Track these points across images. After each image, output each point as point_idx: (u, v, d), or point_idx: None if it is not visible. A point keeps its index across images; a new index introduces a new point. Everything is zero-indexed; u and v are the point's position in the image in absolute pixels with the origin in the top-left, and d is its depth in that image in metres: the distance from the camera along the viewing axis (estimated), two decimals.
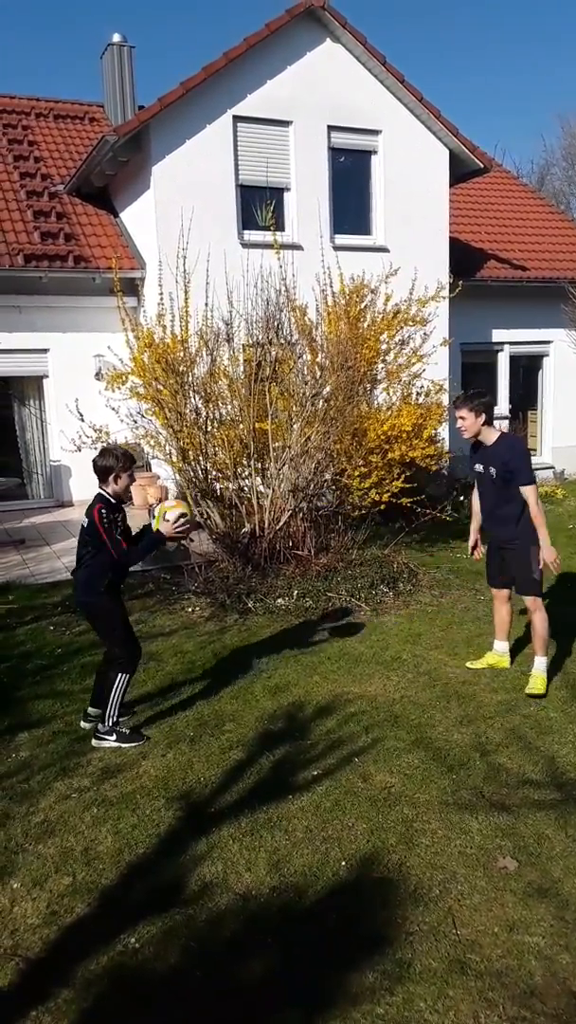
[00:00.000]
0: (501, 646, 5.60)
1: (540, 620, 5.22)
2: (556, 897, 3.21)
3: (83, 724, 4.80)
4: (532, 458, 5.23)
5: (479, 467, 5.27)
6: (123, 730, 4.59)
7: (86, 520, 4.48)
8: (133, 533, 4.70)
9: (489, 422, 5.16)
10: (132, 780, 4.12)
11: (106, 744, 4.51)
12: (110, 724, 4.54)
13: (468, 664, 5.59)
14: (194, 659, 5.82)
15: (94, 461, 4.58)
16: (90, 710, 4.80)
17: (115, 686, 4.53)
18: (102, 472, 4.51)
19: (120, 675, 4.55)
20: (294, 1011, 2.69)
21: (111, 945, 2.97)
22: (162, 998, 2.75)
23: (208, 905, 3.18)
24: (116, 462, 4.48)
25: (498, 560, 5.41)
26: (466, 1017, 2.65)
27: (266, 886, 3.28)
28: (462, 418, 5.13)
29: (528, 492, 5.02)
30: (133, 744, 4.51)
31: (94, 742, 4.54)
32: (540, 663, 5.22)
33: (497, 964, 2.88)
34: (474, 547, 5.61)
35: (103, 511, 4.39)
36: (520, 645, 5.80)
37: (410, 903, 3.18)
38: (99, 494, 4.51)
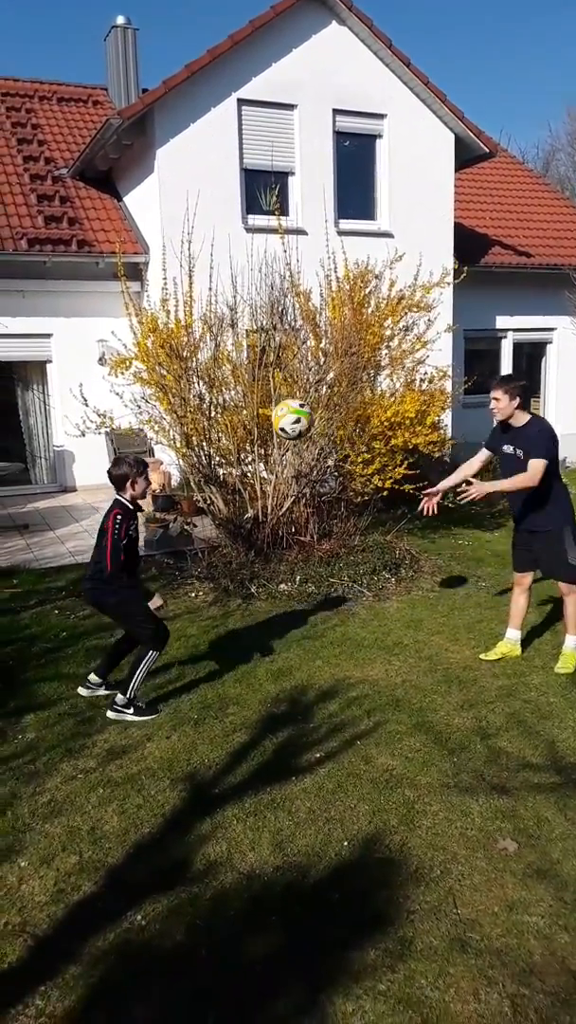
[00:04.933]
0: (514, 634, 5.55)
1: (573, 602, 5.23)
2: (555, 878, 3.26)
3: (80, 690, 4.97)
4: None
5: (507, 448, 5.18)
6: (140, 704, 4.72)
7: (104, 522, 4.65)
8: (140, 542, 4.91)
9: (523, 407, 5.11)
10: (137, 761, 4.18)
11: (125, 717, 4.63)
12: (129, 697, 4.64)
13: (480, 656, 5.51)
14: (198, 643, 5.86)
15: (109, 472, 4.80)
16: (92, 677, 4.96)
17: (143, 662, 4.65)
18: (119, 480, 4.71)
19: (151, 652, 4.69)
20: (298, 987, 2.74)
21: (117, 922, 3.02)
22: (168, 974, 2.80)
23: (213, 884, 3.23)
24: (131, 468, 4.70)
25: (525, 546, 5.34)
26: (466, 994, 2.70)
27: (270, 865, 3.33)
28: (496, 399, 5.09)
29: (536, 464, 4.94)
30: (149, 717, 4.65)
31: (110, 714, 4.66)
32: (571, 641, 5.27)
33: (497, 943, 2.92)
34: (428, 495, 5.52)
35: (119, 517, 4.59)
36: (527, 631, 5.83)
37: (411, 883, 3.23)
38: (116, 500, 4.71)
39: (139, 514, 4.87)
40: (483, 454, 5.43)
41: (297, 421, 5.71)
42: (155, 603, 4.65)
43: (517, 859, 3.37)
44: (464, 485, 5.17)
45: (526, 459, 5.03)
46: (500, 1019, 2.60)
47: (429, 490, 5.58)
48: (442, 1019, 2.59)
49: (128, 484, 4.69)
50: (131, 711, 4.66)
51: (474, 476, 5.30)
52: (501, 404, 5.09)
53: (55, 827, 3.62)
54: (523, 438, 5.09)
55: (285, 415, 5.72)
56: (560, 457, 5.38)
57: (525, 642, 5.68)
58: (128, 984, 2.76)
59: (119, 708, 4.66)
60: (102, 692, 4.96)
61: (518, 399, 5.07)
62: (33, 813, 3.73)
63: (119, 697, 4.68)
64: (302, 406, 5.86)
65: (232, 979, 2.77)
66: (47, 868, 3.34)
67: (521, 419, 5.13)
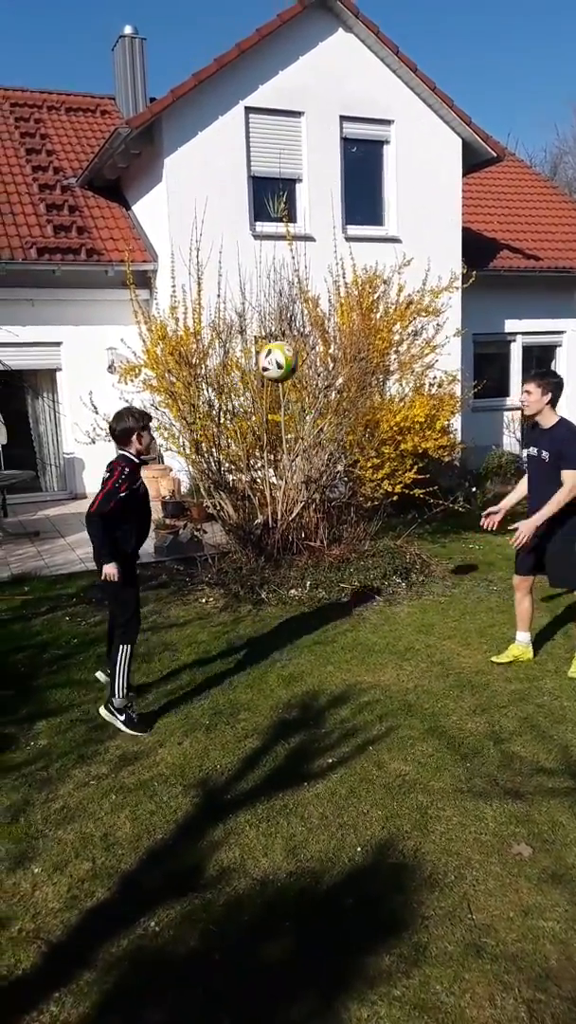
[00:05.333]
0: (524, 637, 5.51)
1: None
2: (571, 883, 3.23)
3: (99, 675, 5.05)
4: None
5: (532, 450, 5.14)
6: (133, 715, 4.65)
7: (106, 474, 4.47)
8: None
9: (554, 404, 5.05)
10: (149, 767, 4.17)
11: (110, 719, 4.60)
12: (121, 699, 4.61)
13: (492, 659, 5.48)
14: (209, 649, 5.86)
15: (111, 427, 4.58)
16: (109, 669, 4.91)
17: (119, 660, 4.61)
18: (124, 434, 4.51)
19: (122, 647, 4.62)
20: (312, 993, 2.73)
21: (131, 928, 3.02)
22: (182, 980, 2.79)
23: (226, 889, 3.22)
24: (136, 421, 4.50)
25: (532, 548, 5.22)
26: (482, 999, 2.68)
27: (283, 871, 3.32)
28: (528, 392, 5.03)
29: (568, 476, 4.89)
30: (136, 733, 4.55)
31: (102, 711, 4.65)
32: None
33: (512, 948, 2.91)
34: (490, 514, 5.41)
35: (126, 470, 4.41)
36: (539, 635, 5.81)
37: (426, 888, 3.21)
38: (121, 454, 4.51)
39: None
40: (524, 478, 5.36)
41: (268, 353, 5.82)
42: (108, 570, 4.44)
43: (532, 864, 3.35)
44: (514, 534, 5.08)
45: (550, 462, 4.98)
46: None
47: (492, 508, 5.44)
48: None
49: (134, 437, 4.48)
50: (122, 718, 4.58)
51: None
52: (532, 398, 5.02)
53: (68, 833, 3.62)
54: (549, 440, 5.02)
55: (264, 357, 5.85)
56: None
57: (537, 646, 5.66)
58: (142, 990, 2.76)
59: (113, 710, 4.62)
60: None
61: (550, 395, 5.01)
62: (46, 820, 3.74)
63: (114, 699, 4.65)
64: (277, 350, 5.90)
65: (246, 985, 2.76)
66: (60, 875, 3.34)
67: (550, 419, 5.06)
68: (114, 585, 4.55)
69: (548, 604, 6.38)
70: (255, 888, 3.23)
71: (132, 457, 4.52)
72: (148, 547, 8.60)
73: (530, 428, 5.19)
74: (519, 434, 13.88)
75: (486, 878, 3.27)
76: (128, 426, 4.50)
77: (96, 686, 5.13)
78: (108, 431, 4.67)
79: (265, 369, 6.04)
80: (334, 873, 3.32)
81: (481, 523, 5.50)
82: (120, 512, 4.46)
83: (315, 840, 3.52)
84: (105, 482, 4.41)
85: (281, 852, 3.44)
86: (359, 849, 3.46)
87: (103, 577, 4.49)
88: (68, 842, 3.56)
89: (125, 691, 4.63)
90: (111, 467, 4.47)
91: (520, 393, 5.11)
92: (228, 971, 2.83)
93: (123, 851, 3.49)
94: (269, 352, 5.99)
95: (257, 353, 5.63)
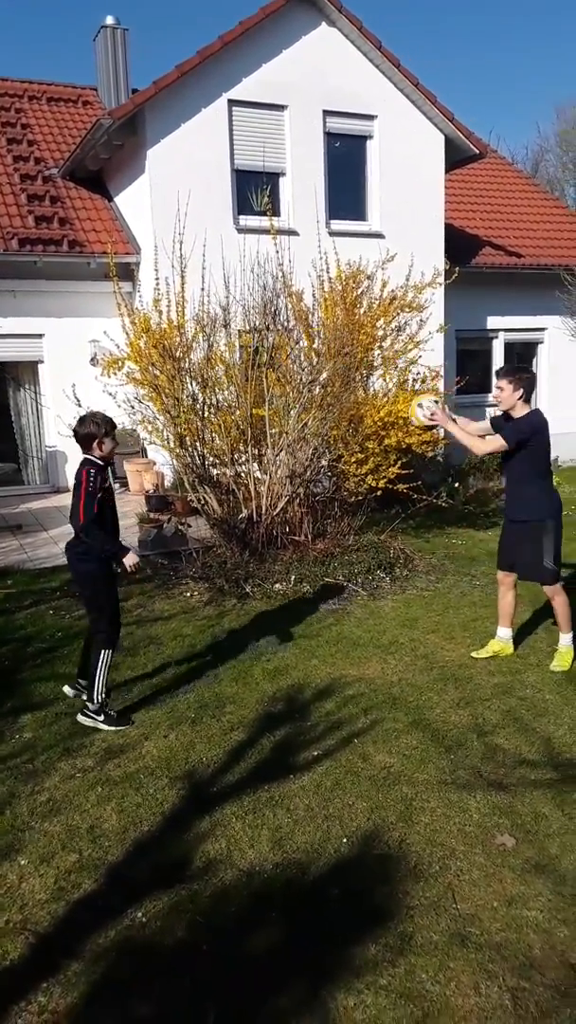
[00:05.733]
0: (505, 632, 5.58)
1: (561, 603, 5.29)
2: (554, 873, 3.28)
3: (66, 689, 4.92)
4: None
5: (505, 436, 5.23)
6: (111, 712, 4.64)
7: (75, 481, 4.49)
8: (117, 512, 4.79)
9: (526, 399, 5.14)
10: (135, 760, 4.18)
11: (91, 724, 4.56)
12: (98, 703, 4.58)
13: (472, 654, 5.54)
14: (194, 643, 5.87)
15: (75, 431, 4.59)
16: (81, 682, 4.87)
17: (99, 664, 4.57)
18: (85, 439, 4.53)
19: (102, 652, 4.58)
20: (299, 982, 2.75)
21: (118, 919, 3.03)
22: (169, 970, 2.81)
23: (213, 881, 3.24)
24: (98, 428, 4.51)
25: (509, 543, 5.37)
26: (467, 988, 2.72)
27: (269, 862, 3.35)
28: (500, 388, 5.13)
29: (496, 441, 5.12)
30: (119, 728, 4.54)
31: (80, 717, 4.60)
32: (565, 639, 5.33)
33: (497, 937, 2.95)
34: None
35: (91, 472, 4.42)
36: (522, 629, 5.87)
37: (411, 879, 3.25)
38: (85, 459, 4.53)
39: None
40: (486, 424, 5.45)
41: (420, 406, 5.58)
42: (130, 559, 4.48)
43: (515, 854, 3.40)
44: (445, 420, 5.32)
45: (517, 450, 5.12)
46: (501, 1012, 2.62)
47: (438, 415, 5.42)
48: (443, 1013, 2.61)
49: (95, 444, 4.50)
50: (102, 718, 4.56)
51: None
52: (504, 394, 5.12)
53: (54, 826, 3.62)
54: (511, 425, 5.15)
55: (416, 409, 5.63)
56: (552, 456, 5.41)
57: (520, 640, 5.72)
58: (130, 980, 2.77)
59: (90, 714, 4.59)
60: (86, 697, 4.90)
61: (521, 391, 5.10)
62: (32, 812, 3.73)
63: (89, 704, 4.60)
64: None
65: (233, 975, 2.78)
66: (47, 866, 3.34)
67: (521, 411, 5.15)
68: (96, 594, 4.59)
69: (531, 599, 6.44)
70: (242, 879, 3.25)
71: (95, 460, 4.53)
72: (132, 541, 8.59)
73: (504, 417, 5.27)
74: None
75: (470, 868, 3.31)
76: (90, 432, 4.52)
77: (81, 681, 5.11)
78: (72, 433, 4.66)
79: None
80: (320, 864, 3.34)
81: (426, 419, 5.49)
82: (97, 513, 4.48)
83: (301, 831, 3.54)
84: (78, 488, 4.43)
85: (267, 843, 3.46)
86: (345, 840, 3.49)
87: (129, 569, 4.51)
88: (54, 834, 3.56)
89: (104, 695, 4.60)
90: (78, 474, 4.48)
91: (494, 388, 5.19)
92: (215, 961, 2.84)
93: (110, 843, 3.49)
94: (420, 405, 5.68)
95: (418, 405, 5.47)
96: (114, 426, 4.62)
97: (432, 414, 5.36)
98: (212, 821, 3.63)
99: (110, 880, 3.27)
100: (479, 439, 5.25)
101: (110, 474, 4.70)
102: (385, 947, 2.89)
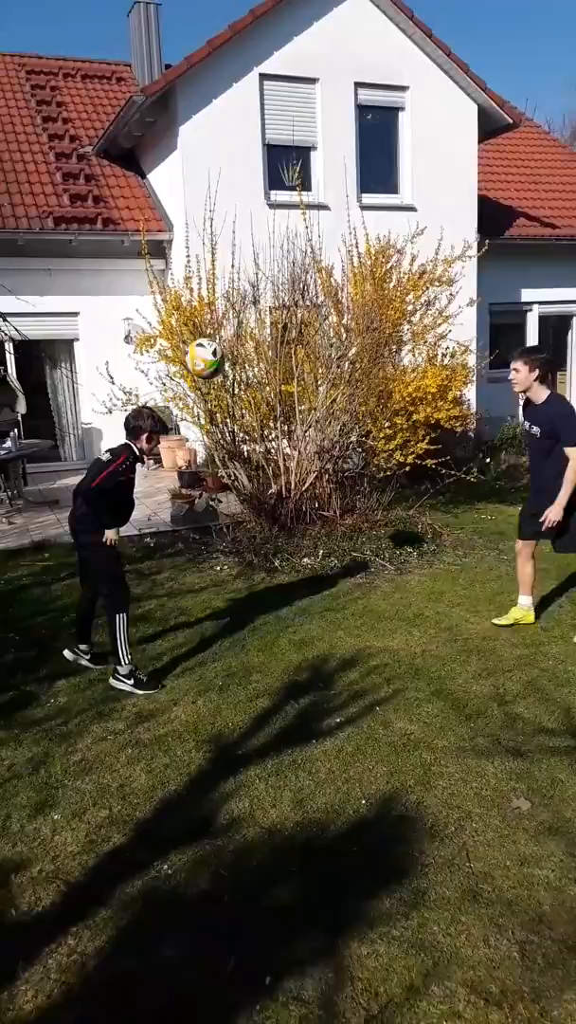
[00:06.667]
0: (526, 600, 5.64)
1: None
2: (567, 835, 3.36)
3: (66, 653, 5.14)
4: None
5: (526, 424, 5.31)
6: (141, 676, 4.84)
7: (105, 455, 4.72)
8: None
9: (542, 380, 5.14)
10: (164, 724, 4.34)
11: (123, 687, 4.77)
12: (128, 665, 4.79)
13: (494, 621, 5.63)
14: (222, 614, 6.01)
15: (127, 417, 4.84)
16: (81, 646, 5.13)
17: (117, 629, 4.79)
18: (133, 430, 4.78)
19: (117, 616, 4.81)
20: (316, 933, 2.88)
21: (145, 871, 3.19)
22: (193, 919, 2.96)
23: (236, 837, 3.38)
24: (151, 425, 4.77)
25: (532, 513, 5.36)
26: (477, 940, 2.83)
27: (291, 821, 3.48)
28: (515, 370, 5.14)
29: (571, 452, 5.02)
30: (150, 692, 4.73)
31: (112, 682, 4.82)
32: None
33: (508, 894, 3.05)
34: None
35: (129, 457, 4.70)
36: (545, 601, 5.91)
37: (427, 839, 3.35)
38: (128, 445, 4.77)
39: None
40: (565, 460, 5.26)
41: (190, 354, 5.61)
42: (110, 535, 4.71)
43: (530, 817, 3.48)
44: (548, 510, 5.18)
45: (542, 437, 5.14)
46: (508, 963, 2.72)
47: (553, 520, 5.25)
48: (452, 962, 2.73)
49: (142, 437, 4.75)
50: (131, 682, 4.76)
51: None
52: (520, 376, 5.13)
53: (86, 784, 3.80)
54: (541, 415, 5.16)
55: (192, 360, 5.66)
56: None
57: (543, 612, 5.76)
58: (155, 927, 2.93)
59: (120, 678, 4.80)
60: (85, 661, 5.11)
61: (537, 371, 5.11)
62: (65, 771, 3.91)
63: (119, 668, 4.82)
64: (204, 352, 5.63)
65: (253, 924, 2.92)
66: (79, 821, 3.52)
67: (540, 395, 5.17)
68: (102, 561, 4.82)
69: (554, 571, 6.46)
70: (263, 836, 3.39)
71: (136, 450, 4.78)
72: (164, 516, 8.76)
73: (524, 405, 5.29)
74: None
75: (485, 830, 3.41)
76: (140, 425, 4.76)
77: (109, 648, 5.28)
78: (124, 422, 4.90)
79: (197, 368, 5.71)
80: (339, 824, 3.47)
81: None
82: (114, 492, 4.72)
83: (322, 793, 3.67)
84: (108, 463, 4.65)
85: (289, 804, 3.59)
86: (364, 802, 3.61)
87: (106, 541, 4.73)
88: (86, 791, 3.73)
89: (128, 657, 4.81)
90: (116, 452, 4.71)
91: (511, 371, 5.20)
92: (236, 912, 2.99)
93: (138, 800, 3.66)
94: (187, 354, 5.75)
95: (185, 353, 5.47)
96: (166, 430, 4.89)
97: (546, 528, 5.17)
98: (236, 782, 3.77)
99: (138, 835, 3.43)
100: (572, 469, 5.02)
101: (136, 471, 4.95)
102: (399, 901, 3.00)
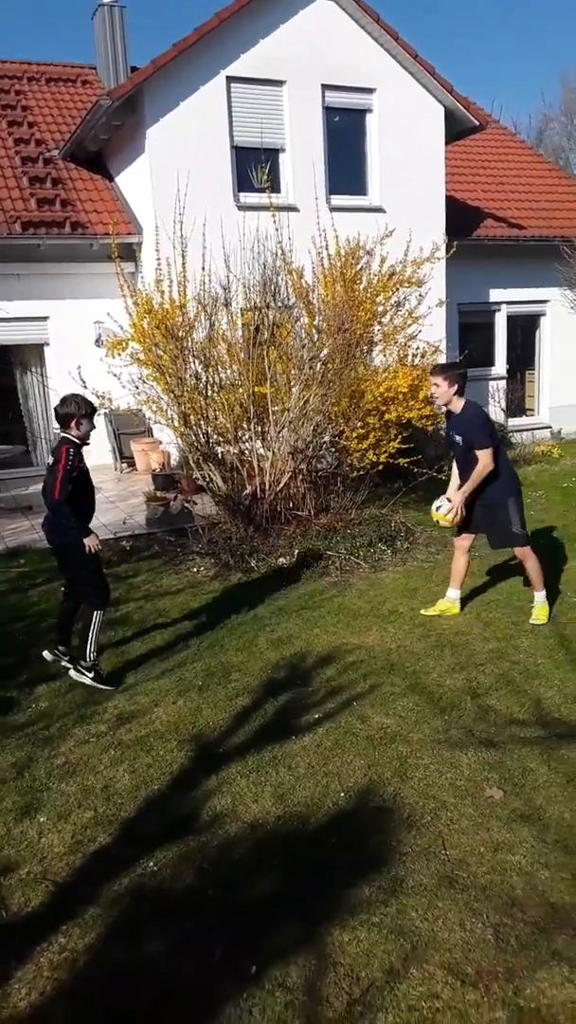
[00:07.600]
0: (454, 593, 5.96)
1: (532, 565, 5.65)
2: (538, 822, 3.49)
3: (45, 654, 5.21)
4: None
5: (451, 433, 5.63)
6: (100, 671, 4.96)
7: (50, 459, 4.79)
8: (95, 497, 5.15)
9: (460, 393, 5.47)
10: (146, 725, 4.41)
11: (82, 679, 4.88)
12: (91, 661, 4.90)
13: (422, 611, 5.94)
14: (200, 615, 6.09)
15: (56, 409, 4.91)
16: (61, 648, 5.19)
17: (92, 624, 4.90)
18: (64, 418, 4.84)
19: (95, 613, 4.93)
20: (299, 923, 2.97)
21: (131, 869, 3.26)
22: (179, 913, 3.04)
23: (219, 833, 3.47)
24: (78, 408, 4.81)
25: (478, 516, 5.68)
26: (453, 924, 2.94)
27: (272, 815, 3.57)
28: (436, 385, 5.48)
29: (482, 454, 5.36)
30: (107, 687, 4.86)
31: (72, 674, 4.93)
32: (539, 596, 5.70)
33: (482, 880, 3.16)
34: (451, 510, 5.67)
35: (70, 450, 4.73)
36: (516, 595, 6.06)
37: (404, 828, 3.47)
38: (64, 437, 4.84)
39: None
40: (462, 457, 5.68)
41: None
42: (91, 542, 4.80)
43: (503, 806, 3.61)
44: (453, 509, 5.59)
45: (466, 447, 5.44)
46: (483, 945, 2.84)
47: (451, 503, 5.64)
48: (430, 945, 2.84)
49: (73, 423, 4.80)
50: (91, 675, 4.90)
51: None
52: (440, 390, 5.47)
53: (70, 786, 3.86)
54: (461, 424, 5.48)
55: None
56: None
57: (513, 606, 5.92)
58: (142, 922, 3.00)
59: (82, 670, 4.91)
60: (65, 662, 5.15)
61: (456, 386, 5.44)
62: (49, 774, 3.97)
63: (82, 661, 4.93)
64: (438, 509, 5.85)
65: (238, 916, 3.01)
66: (64, 823, 3.58)
67: (458, 405, 5.50)
68: (76, 558, 4.87)
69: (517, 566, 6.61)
70: (246, 831, 3.48)
71: (73, 439, 4.82)
72: (140, 519, 8.80)
73: (447, 416, 5.67)
74: (504, 403, 14.06)
75: (460, 819, 3.52)
76: (69, 411, 4.81)
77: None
78: (53, 412, 4.97)
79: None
80: (319, 816, 3.57)
81: (454, 521, 5.68)
82: (75, 487, 4.77)
83: (302, 787, 3.77)
84: (55, 466, 4.70)
85: (270, 798, 3.69)
86: (342, 795, 3.71)
87: (88, 550, 4.80)
88: (71, 793, 3.80)
89: (95, 654, 4.94)
90: (57, 451, 4.76)
91: (431, 386, 5.58)
92: (221, 904, 3.07)
93: (122, 800, 3.73)
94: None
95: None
96: (94, 410, 4.90)
97: (449, 509, 5.58)
98: (218, 779, 3.86)
99: (123, 834, 3.51)
100: (479, 470, 5.40)
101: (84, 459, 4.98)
102: (378, 889, 3.11)
